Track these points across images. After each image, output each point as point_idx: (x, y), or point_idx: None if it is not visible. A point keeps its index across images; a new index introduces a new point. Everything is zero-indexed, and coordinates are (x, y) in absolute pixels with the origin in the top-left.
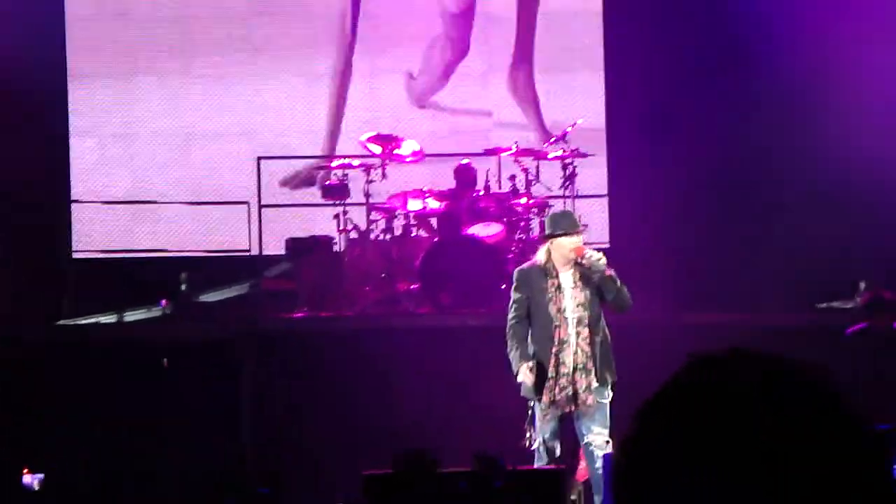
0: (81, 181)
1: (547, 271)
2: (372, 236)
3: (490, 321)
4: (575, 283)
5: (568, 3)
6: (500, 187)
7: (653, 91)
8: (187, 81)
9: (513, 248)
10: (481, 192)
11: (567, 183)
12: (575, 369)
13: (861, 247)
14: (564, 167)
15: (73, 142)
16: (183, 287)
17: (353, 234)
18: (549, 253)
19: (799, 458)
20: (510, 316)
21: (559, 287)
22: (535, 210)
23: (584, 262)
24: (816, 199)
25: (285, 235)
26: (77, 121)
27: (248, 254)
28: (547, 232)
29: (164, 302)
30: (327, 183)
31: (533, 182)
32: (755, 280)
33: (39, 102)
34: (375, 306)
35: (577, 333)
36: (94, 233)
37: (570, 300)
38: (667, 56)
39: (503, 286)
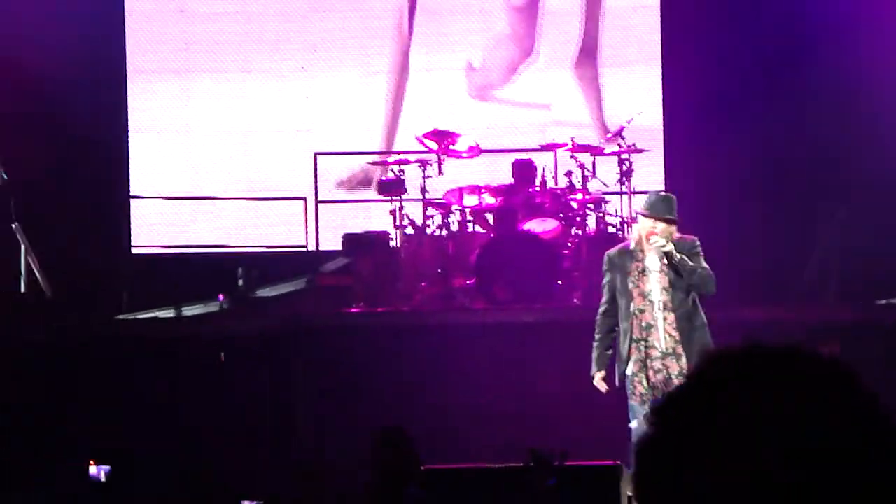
0: (141, 177)
1: (633, 253)
2: (428, 232)
3: (545, 317)
4: (661, 266)
5: None
6: (556, 183)
7: (710, 86)
8: (246, 77)
9: (569, 244)
10: (537, 188)
11: (623, 179)
12: (665, 354)
13: None
14: (621, 163)
15: (133, 138)
16: (240, 282)
17: (409, 230)
18: (636, 233)
19: (817, 451)
20: (600, 306)
21: (643, 270)
22: (591, 206)
23: (648, 245)
24: (876, 192)
25: (342, 231)
26: (136, 117)
27: (304, 249)
28: (644, 212)
29: (221, 297)
30: (383, 179)
31: (589, 178)
32: (815, 276)
33: (99, 99)
34: (431, 301)
35: (664, 318)
36: (152, 228)
37: (656, 283)
38: (724, 50)
39: (559, 282)
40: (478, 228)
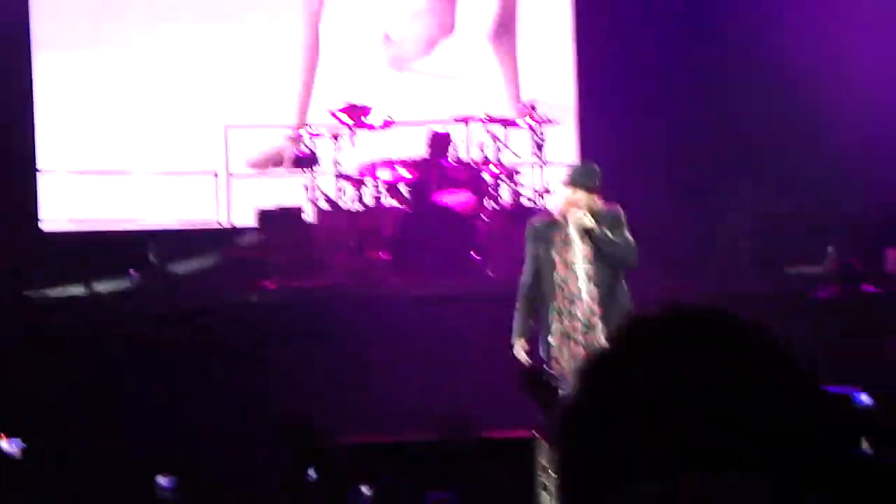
0: (48, 151)
1: (558, 223)
2: (342, 206)
3: (460, 289)
4: (583, 239)
5: None
6: (469, 156)
7: (624, 59)
8: (155, 50)
9: (483, 217)
10: (451, 161)
11: (537, 151)
12: (587, 327)
13: (833, 212)
14: (534, 135)
15: (39, 111)
16: (152, 258)
17: (323, 204)
18: (559, 203)
19: (737, 415)
20: (521, 278)
21: (567, 240)
22: (505, 178)
23: (569, 216)
24: (788, 166)
25: (255, 206)
26: (43, 90)
27: (217, 224)
28: (565, 181)
29: (133, 273)
30: (296, 153)
31: (502, 150)
32: (726, 248)
33: (4, 72)
34: (347, 276)
35: (588, 290)
36: (61, 204)
37: (579, 253)
38: (638, 23)
39: (473, 254)
40: (392, 202)
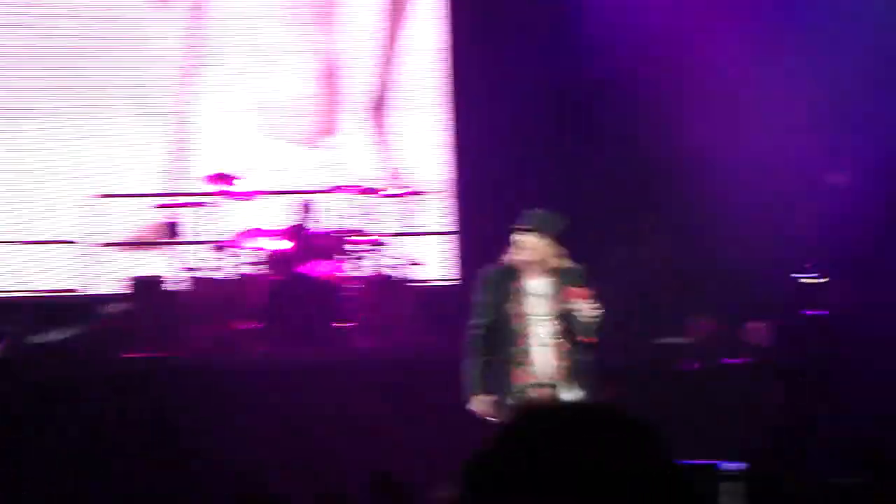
0: None
1: (511, 273)
2: (208, 275)
3: (326, 358)
4: (546, 292)
5: (414, 41)
6: (337, 225)
7: (499, 128)
8: (20, 118)
9: (351, 286)
10: (318, 230)
11: (406, 221)
12: (544, 385)
13: (701, 275)
14: (403, 205)
15: None
16: (15, 329)
17: (189, 274)
18: (515, 251)
19: (612, 495)
20: (471, 322)
21: (523, 291)
22: (373, 247)
23: (576, 312)
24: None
25: (121, 275)
26: None
27: (83, 293)
28: (524, 226)
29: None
30: (163, 221)
31: (369, 220)
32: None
33: None
34: (212, 346)
35: (548, 345)
36: None
37: (537, 307)
38: (515, 87)
39: (340, 324)
40: (259, 271)
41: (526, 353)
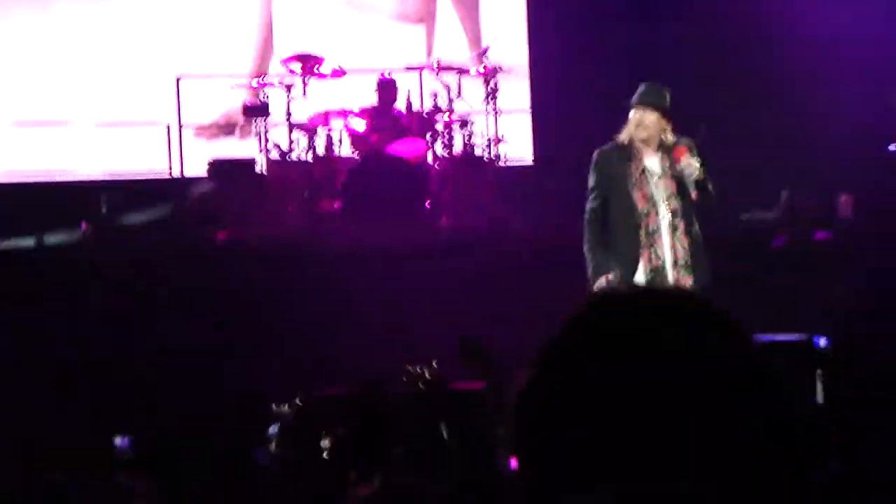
0: None
1: (630, 152)
2: (293, 156)
3: (412, 239)
4: (664, 169)
5: None
6: (421, 104)
7: (577, 4)
8: None
9: (435, 166)
10: (403, 110)
11: (489, 99)
12: (675, 264)
13: (790, 152)
14: (486, 82)
15: None
16: (104, 210)
17: (275, 155)
18: (630, 128)
19: (703, 396)
20: (587, 206)
21: (644, 171)
22: (458, 127)
23: (679, 165)
24: (745, 112)
25: (207, 157)
26: None
27: (169, 176)
28: (634, 101)
29: (84, 225)
30: (248, 103)
31: (455, 98)
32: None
33: None
34: (298, 227)
35: (674, 226)
36: (10, 155)
37: (658, 188)
38: None
39: (426, 204)
40: (344, 151)
41: (649, 235)
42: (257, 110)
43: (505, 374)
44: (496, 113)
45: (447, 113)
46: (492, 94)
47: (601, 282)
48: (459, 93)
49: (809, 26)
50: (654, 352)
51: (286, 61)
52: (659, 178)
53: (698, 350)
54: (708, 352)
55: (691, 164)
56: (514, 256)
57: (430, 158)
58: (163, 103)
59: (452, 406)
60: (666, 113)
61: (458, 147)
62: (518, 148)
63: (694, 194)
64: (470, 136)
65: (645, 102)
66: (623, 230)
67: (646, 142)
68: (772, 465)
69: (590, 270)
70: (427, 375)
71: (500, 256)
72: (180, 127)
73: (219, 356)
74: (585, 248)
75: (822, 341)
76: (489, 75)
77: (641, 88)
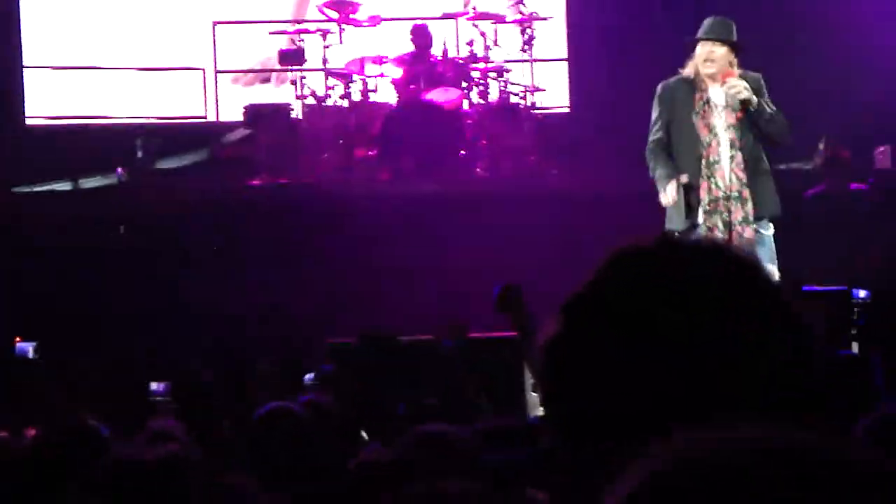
0: (33, 47)
1: (694, 84)
2: (329, 102)
3: (449, 187)
4: (726, 101)
5: None
6: (457, 52)
7: None
8: None
9: (470, 114)
10: (439, 57)
11: (525, 47)
12: (728, 197)
13: (830, 101)
14: (523, 31)
15: (23, 6)
16: (139, 154)
17: (311, 101)
18: (692, 63)
19: (737, 349)
20: (650, 137)
21: (708, 101)
22: (494, 75)
23: (726, 89)
24: (785, 57)
25: (242, 102)
26: None
27: (204, 120)
28: (701, 35)
29: (120, 170)
30: (283, 49)
31: (491, 46)
32: None
33: None
34: (334, 173)
35: (731, 157)
36: (47, 99)
37: (720, 119)
38: None
39: (462, 152)
40: (380, 98)
41: (710, 165)
42: (293, 56)
43: (540, 323)
44: (532, 61)
45: (483, 61)
46: (528, 43)
47: (670, 187)
48: (496, 41)
49: None
50: (673, 305)
51: (322, 7)
52: (723, 108)
53: (720, 290)
54: (731, 291)
55: (736, 86)
56: (551, 204)
57: (465, 106)
58: (199, 49)
59: (484, 355)
60: (734, 46)
61: (494, 95)
62: (555, 96)
63: (740, 116)
64: (506, 85)
65: (713, 36)
66: (685, 159)
67: (712, 76)
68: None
69: (658, 184)
70: (457, 327)
71: (536, 205)
72: (216, 72)
73: (257, 302)
74: (652, 168)
75: (862, 293)
76: (526, 23)
77: (708, 22)
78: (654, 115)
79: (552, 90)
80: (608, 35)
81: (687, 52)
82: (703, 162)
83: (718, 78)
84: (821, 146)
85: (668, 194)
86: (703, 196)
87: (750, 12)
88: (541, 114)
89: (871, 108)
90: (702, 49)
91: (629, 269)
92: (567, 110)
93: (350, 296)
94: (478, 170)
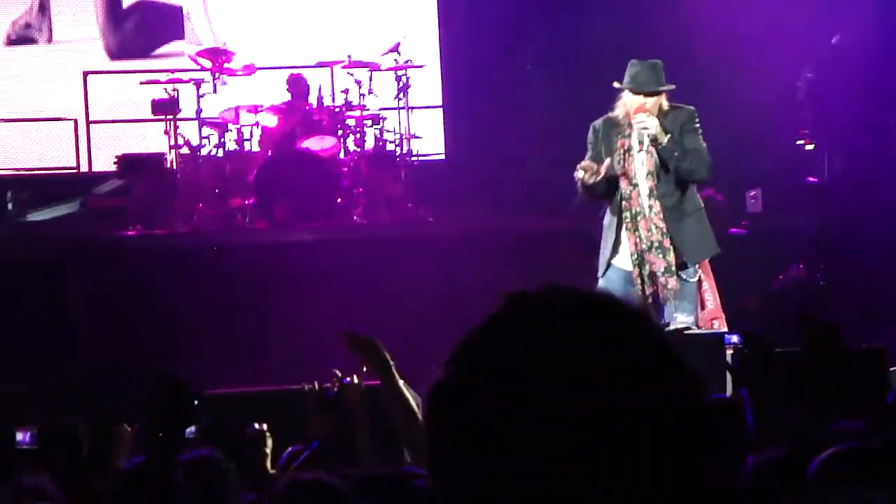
0: None
1: (620, 127)
2: (204, 152)
3: (326, 234)
4: (645, 146)
5: None
6: (333, 100)
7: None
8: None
9: (347, 162)
10: (314, 106)
11: (401, 95)
12: (650, 248)
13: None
14: (398, 78)
15: None
16: (9, 206)
17: (185, 150)
18: (625, 107)
19: (624, 403)
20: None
21: (629, 149)
22: (369, 123)
23: (634, 123)
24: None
25: (115, 152)
26: None
27: (76, 171)
28: (632, 86)
29: None
30: (156, 99)
31: (366, 94)
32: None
33: None
34: (209, 222)
35: (650, 207)
36: None
37: (640, 165)
38: None
39: (338, 199)
40: (255, 147)
41: (635, 217)
42: (167, 105)
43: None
44: (408, 109)
45: (359, 109)
46: (403, 90)
47: (579, 167)
48: (371, 89)
49: (721, 25)
50: (561, 350)
51: (196, 56)
52: (641, 154)
53: (606, 345)
54: (616, 346)
55: (643, 121)
56: (428, 251)
57: (341, 154)
58: (70, 98)
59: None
60: (659, 93)
61: (370, 143)
62: (430, 143)
63: (667, 162)
64: (382, 132)
65: (637, 84)
66: (612, 214)
67: (642, 125)
68: (680, 456)
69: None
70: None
71: (413, 251)
72: (88, 122)
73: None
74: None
75: (734, 338)
76: (400, 71)
77: (634, 70)
78: (588, 156)
79: (428, 137)
80: (482, 83)
81: (613, 92)
82: (627, 215)
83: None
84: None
85: (583, 168)
86: (632, 249)
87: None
88: (417, 161)
89: (738, 151)
90: (633, 100)
91: (516, 323)
92: (443, 157)
93: (233, 346)
94: (355, 217)
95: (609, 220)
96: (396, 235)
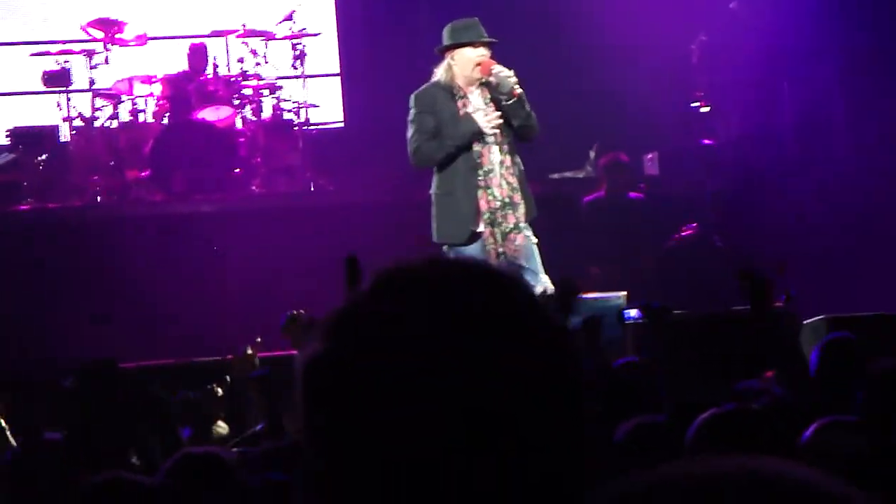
0: None
1: (452, 91)
2: (98, 124)
3: (224, 206)
4: (486, 104)
5: None
6: (228, 70)
7: None
8: None
9: (244, 131)
10: (210, 76)
11: (297, 63)
12: (504, 205)
13: (598, 116)
14: (294, 47)
15: None
16: None
17: (78, 123)
18: (450, 69)
19: (498, 367)
20: (413, 139)
21: (472, 109)
22: (266, 92)
23: (491, 78)
24: (557, 68)
25: (6, 126)
26: None
27: None
28: (446, 43)
29: None
30: (48, 71)
31: (262, 63)
32: None
33: None
34: (105, 195)
35: (501, 163)
36: None
37: (485, 123)
38: None
39: (236, 170)
40: (150, 119)
41: (488, 174)
42: (58, 78)
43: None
44: (304, 77)
45: (255, 78)
46: (299, 59)
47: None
48: (266, 58)
49: None
50: (438, 319)
51: (87, 27)
52: (484, 111)
53: (486, 314)
54: (496, 314)
55: (503, 70)
56: (329, 220)
57: (238, 124)
58: None
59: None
60: (480, 45)
61: (267, 112)
62: (328, 112)
63: (514, 118)
64: (279, 101)
65: (485, 39)
66: (459, 172)
67: (470, 80)
68: (561, 421)
69: (455, 137)
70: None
71: (312, 221)
72: None
73: (28, 326)
74: (435, 149)
75: (633, 312)
76: (296, 39)
77: (465, 25)
78: (415, 121)
79: (326, 106)
80: (378, 49)
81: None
82: (480, 173)
83: (475, 81)
84: (592, 154)
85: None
86: (483, 207)
87: (524, 28)
88: (315, 129)
89: (635, 115)
90: (472, 53)
91: (393, 291)
92: (341, 125)
93: (132, 320)
94: (253, 188)
95: (452, 185)
96: (295, 205)
